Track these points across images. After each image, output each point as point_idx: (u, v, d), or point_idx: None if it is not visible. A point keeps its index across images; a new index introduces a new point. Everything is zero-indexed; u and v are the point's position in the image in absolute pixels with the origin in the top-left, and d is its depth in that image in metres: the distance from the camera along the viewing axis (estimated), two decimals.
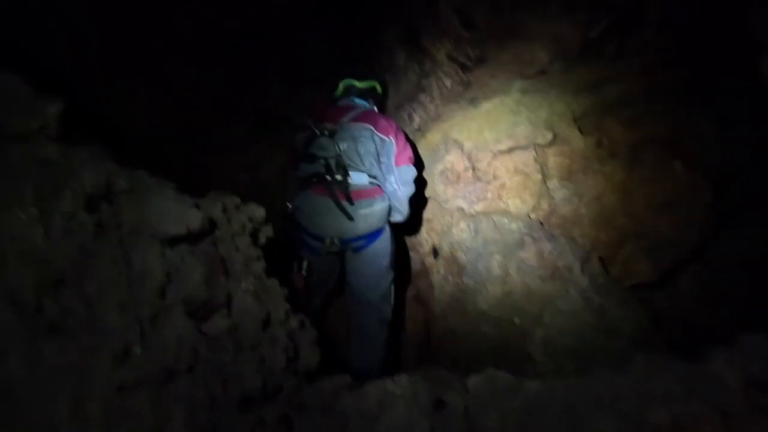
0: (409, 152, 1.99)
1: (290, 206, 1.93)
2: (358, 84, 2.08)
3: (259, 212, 1.14)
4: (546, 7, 1.88)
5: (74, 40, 1.87)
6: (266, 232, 1.18)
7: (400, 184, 1.93)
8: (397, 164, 1.91)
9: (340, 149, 1.83)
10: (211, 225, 0.96)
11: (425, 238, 2.69)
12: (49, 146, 0.85)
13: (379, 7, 2.22)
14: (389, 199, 1.94)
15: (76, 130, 0.97)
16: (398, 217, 2.03)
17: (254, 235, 1.10)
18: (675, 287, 2.17)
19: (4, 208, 0.71)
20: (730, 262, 2.20)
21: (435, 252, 2.64)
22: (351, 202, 1.79)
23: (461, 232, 2.40)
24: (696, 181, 2.14)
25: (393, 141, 1.90)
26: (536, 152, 2.26)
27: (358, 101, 2.06)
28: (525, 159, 2.27)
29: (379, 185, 1.93)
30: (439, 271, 2.57)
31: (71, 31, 1.84)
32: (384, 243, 1.95)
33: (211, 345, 0.79)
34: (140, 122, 2.12)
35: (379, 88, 2.18)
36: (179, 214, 0.87)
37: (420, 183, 2.17)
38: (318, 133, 1.86)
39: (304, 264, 1.94)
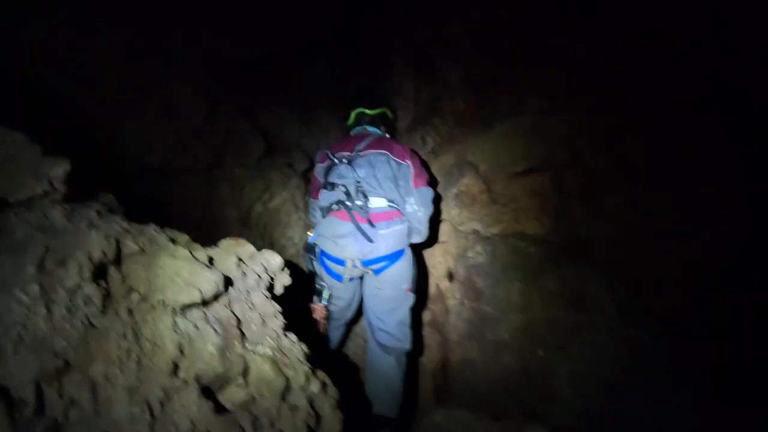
0: (426, 174, 2.00)
1: (311, 235, 1.94)
2: (369, 112, 2.12)
3: (275, 260, 1.08)
4: (562, 27, 1.82)
5: (83, 72, 1.85)
6: (282, 280, 1.12)
7: (420, 206, 1.94)
8: (415, 186, 1.93)
9: (359, 175, 1.86)
10: (226, 282, 0.90)
11: (439, 260, 2.61)
12: (54, 210, 0.80)
13: (390, 30, 2.18)
14: (409, 221, 1.93)
15: (85, 177, 0.92)
16: (417, 238, 2.03)
17: (270, 287, 1.04)
18: (708, 313, 2.06)
19: (4, 288, 0.65)
20: (766, 284, 2.09)
21: (450, 275, 2.56)
22: (371, 224, 1.80)
23: (477, 255, 2.33)
24: (725, 200, 2.04)
25: (410, 164, 1.92)
26: (554, 173, 2.19)
27: (371, 129, 2.09)
28: (542, 180, 2.20)
29: (398, 208, 1.93)
30: (454, 296, 2.49)
31: (80, 63, 1.82)
32: (405, 264, 1.94)
33: (227, 426, 0.73)
34: (151, 154, 2.09)
35: (389, 114, 2.19)
36: (192, 277, 0.81)
37: (436, 204, 2.13)
38: (337, 161, 1.89)
39: (325, 294, 1.92)
